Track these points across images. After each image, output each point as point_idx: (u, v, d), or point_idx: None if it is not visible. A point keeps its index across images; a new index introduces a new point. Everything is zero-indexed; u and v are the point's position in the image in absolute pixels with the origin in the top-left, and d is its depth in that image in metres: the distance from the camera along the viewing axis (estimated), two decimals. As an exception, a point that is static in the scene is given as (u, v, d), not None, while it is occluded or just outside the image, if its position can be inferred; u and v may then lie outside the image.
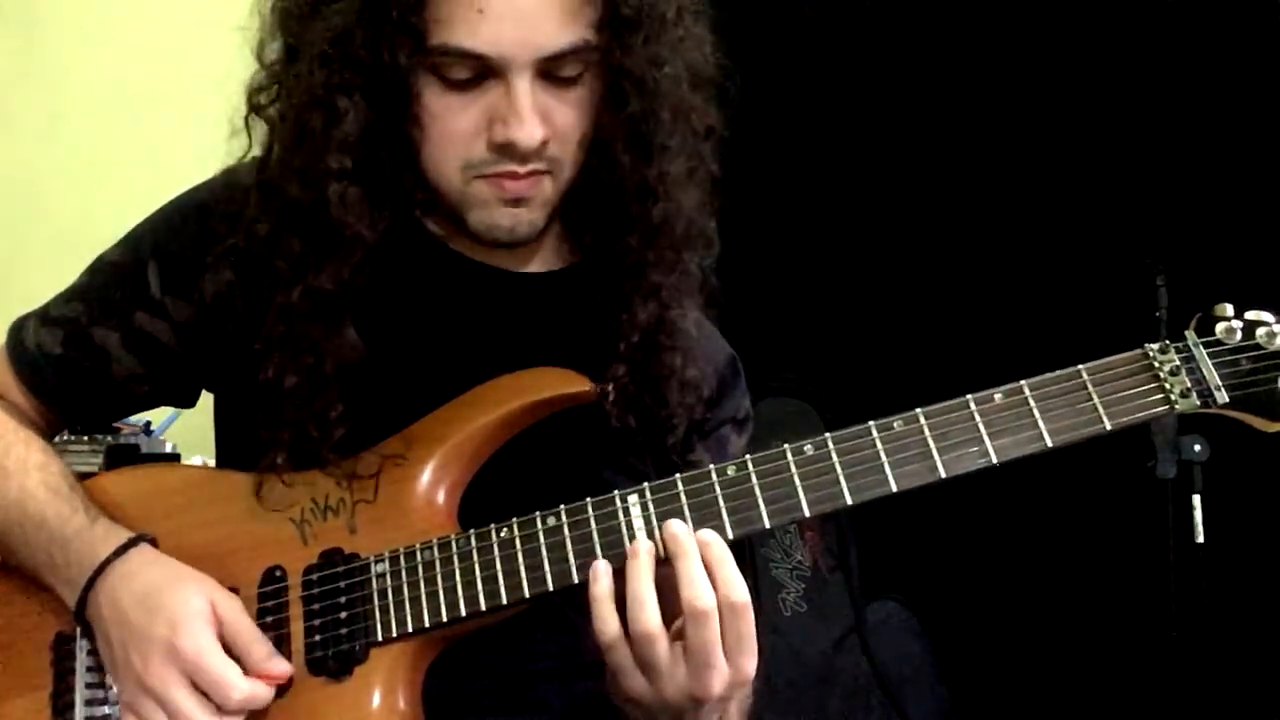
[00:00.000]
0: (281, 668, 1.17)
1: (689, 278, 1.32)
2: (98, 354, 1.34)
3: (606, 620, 1.09)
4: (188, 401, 1.42)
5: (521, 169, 1.20)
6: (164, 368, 1.35)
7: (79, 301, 1.35)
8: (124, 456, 2.50)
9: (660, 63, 1.22)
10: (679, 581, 1.08)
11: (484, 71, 1.17)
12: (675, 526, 1.11)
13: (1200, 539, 2.16)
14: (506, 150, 1.19)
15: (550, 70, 1.18)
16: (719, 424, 1.39)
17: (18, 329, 1.38)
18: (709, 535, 1.11)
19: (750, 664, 1.10)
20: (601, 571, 1.11)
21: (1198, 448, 2.17)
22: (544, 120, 1.18)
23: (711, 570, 1.09)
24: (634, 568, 1.09)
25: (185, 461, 2.44)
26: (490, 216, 1.23)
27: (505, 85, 1.17)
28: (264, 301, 1.23)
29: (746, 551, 2.76)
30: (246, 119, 1.26)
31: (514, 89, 1.16)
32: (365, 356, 1.24)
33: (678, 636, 1.09)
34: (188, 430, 2.58)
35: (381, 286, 1.26)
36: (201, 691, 1.14)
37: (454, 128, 1.19)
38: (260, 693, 1.15)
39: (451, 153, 1.21)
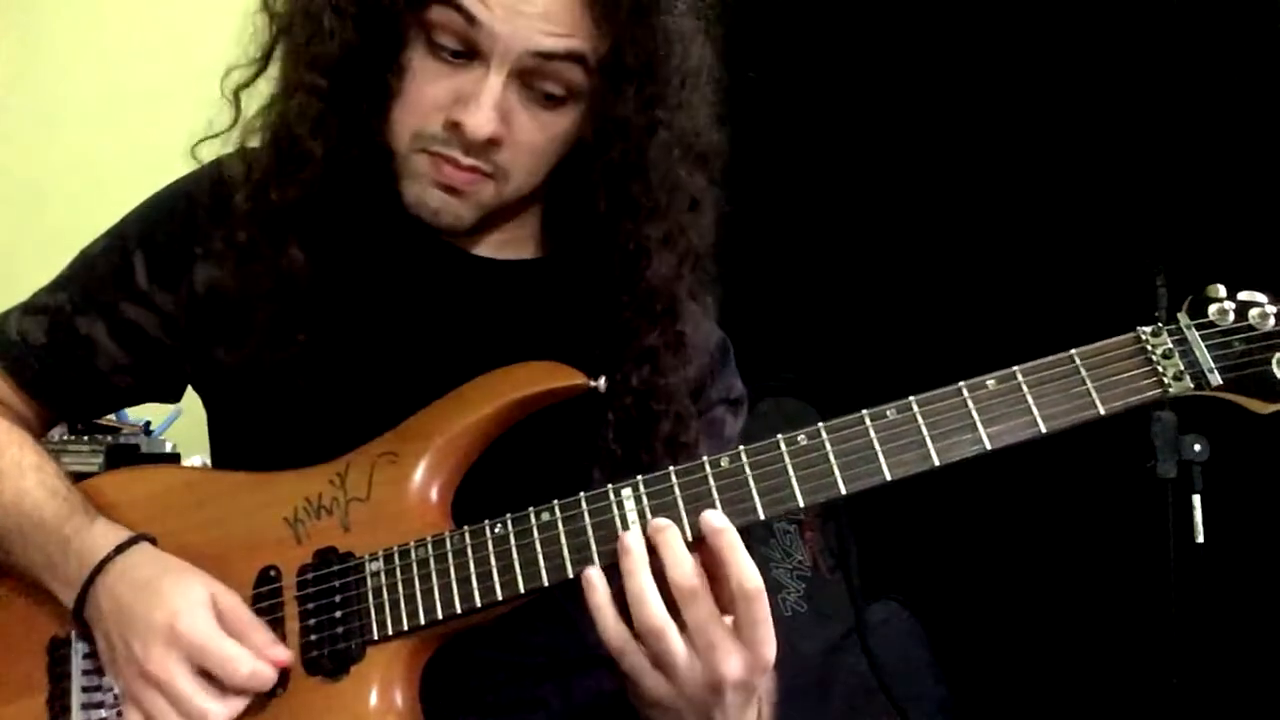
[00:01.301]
0: (282, 654, 1.16)
1: (676, 342, 1.31)
2: (83, 343, 1.33)
3: (612, 627, 1.08)
4: (173, 396, 1.41)
5: (463, 159, 1.20)
6: (150, 359, 1.34)
7: (63, 291, 1.35)
8: (124, 456, 2.50)
9: (654, 124, 1.22)
10: (665, 568, 1.07)
11: (469, 51, 1.17)
12: (658, 521, 1.10)
13: (1200, 539, 2.15)
14: (454, 131, 1.19)
15: (532, 80, 1.18)
16: (711, 405, 1.39)
17: (1, 320, 1.37)
18: (721, 521, 1.09)
19: (769, 650, 1.08)
20: (595, 579, 1.10)
21: (1198, 448, 2.16)
22: (503, 121, 1.18)
23: (724, 558, 1.07)
24: (629, 565, 1.08)
25: (185, 461, 2.45)
26: (421, 193, 1.24)
27: (481, 72, 1.17)
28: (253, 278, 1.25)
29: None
30: (237, 93, 1.27)
31: (486, 78, 1.17)
32: (310, 278, 1.24)
33: (684, 626, 1.08)
34: (188, 430, 2.58)
35: (364, 273, 1.26)
36: (204, 677, 1.14)
37: (421, 92, 1.20)
38: (265, 673, 1.15)
39: (410, 117, 1.21)
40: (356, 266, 1.29)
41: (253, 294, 1.24)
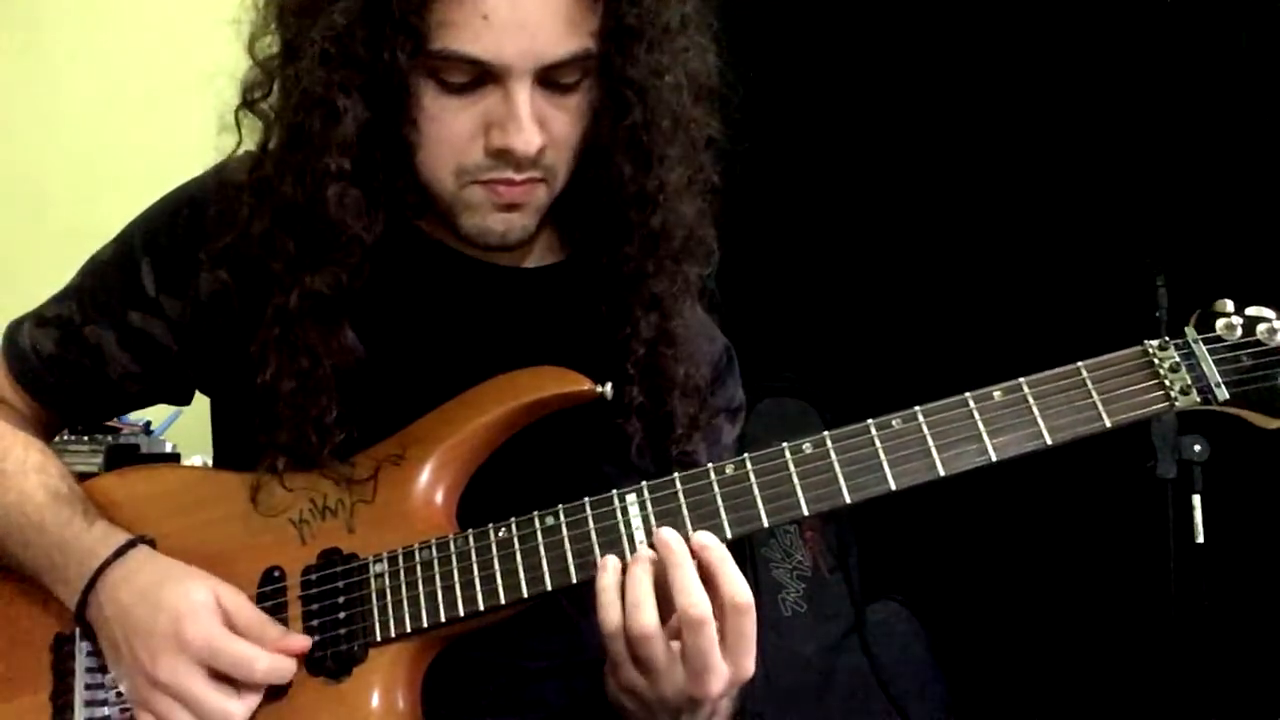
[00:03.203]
0: (300, 642, 1.17)
1: (688, 285, 1.32)
2: (92, 353, 1.34)
3: (610, 609, 1.09)
4: (183, 399, 1.42)
5: (518, 176, 1.20)
6: (159, 365, 1.34)
7: (73, 301, 1.35)
8: (124, 456, 2.51)
9: (661, 72, 1.21)
10: (672, 590, 1.08)
11: (482, 76, 1.16)
12: (666, 534, 1.10)
13: (1200, 539, 2.16)
14: (503, 157, 1.18)
15: (549, 77, 1.17)
16: (713, 414, 1.39)
17: (13, 330, 1.38)
18: (708, 538, 1.10)
19: (750, 663, 1.10)
20: (610, 565, 1.10)
21: (1198, 448, 2.17)
22: (541, 127, 1.17)
23: (713, 572, 1.08)
24: (634, 572, 1.09)
25: (185, 461, 2.45)
26: (483, 221, 1.23)
27: (504, 91, 1.16)
28: (259, 302, 1.23)
29: (746, 551, 2.77)
30: (237, 114, 1.25)
31: (513, 96, 1.15)
32: (364, 359, 1.23)
33: (675, 635, 1.09)
34: (188, 430, 2.59)
35: (378, 287, 1.25)
36: (216, 678, 1.14)
37: (450, 131, 1.18)
38: (283, 665, 1.15)
39: (446, 156, 1.20)
40: (389, 290, 1.28)
41: (305, 390, 1.21)
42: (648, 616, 1.07)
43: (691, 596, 1.07)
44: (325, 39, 1.15)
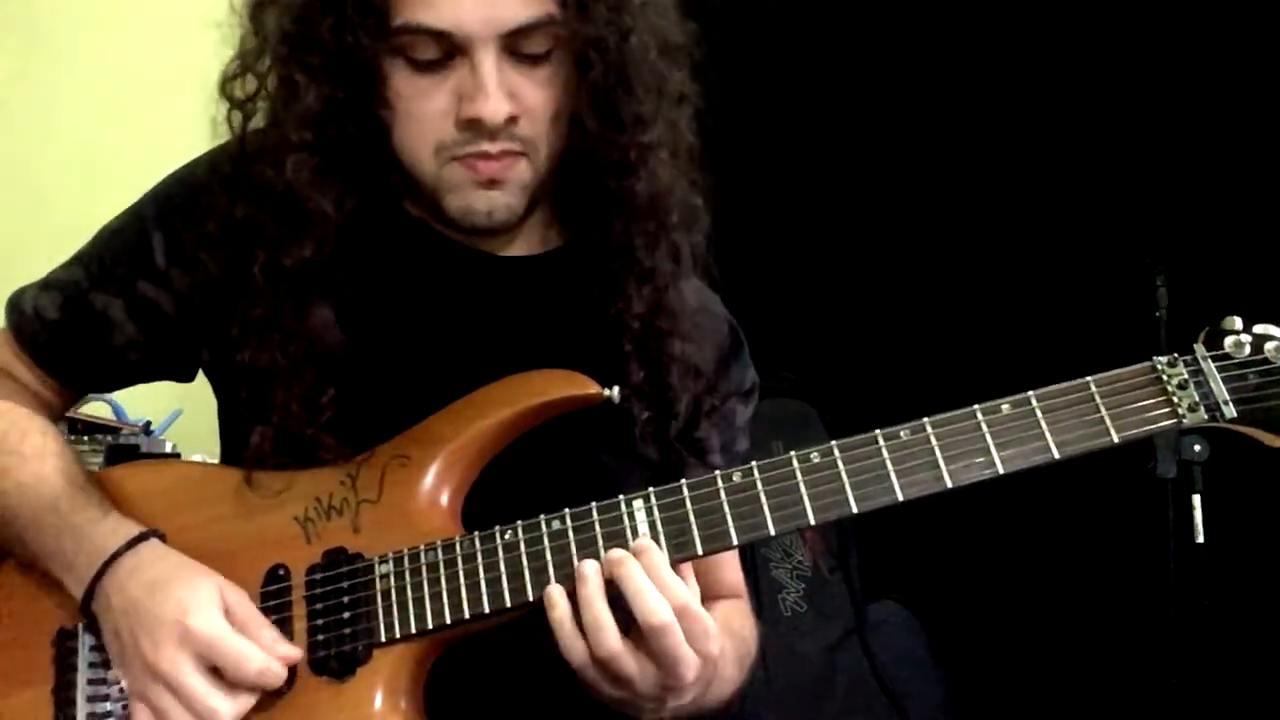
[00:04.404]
0: (289, 651, 1.17)
1: (682, 257, 1.32)
2: (96, 319, 1.34)
3: (573, 644, 1.10)
4: (185, 375, 1.41)
5: (493, 148, 1.21)
6: (163, 337, 1.34)
7: (79, 266, 1.36)
8: (124, 456, 2.50)
9: (626, 33, 1.22)
10: (630, 602, 1.08)
11: (450, 50, 1.18)
12: (615, 553, 1.11)
13: (1200, 539, 2.16)
14: (474, 127, 1.19)
15: (517, 47, 1.19)
16: (724, 398, 1.39)
17: (16, 297, 1.38)
18: (644, 543, 1.11)
19: (712, 645, 1.11)
20: (557, 596, 1.11)
21: (1198, 448, 2.18)
22: (512, 98, 1.19)
23: (652, 578, 1.09)
24: (586, 594, 1.10)
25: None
26: (466, 200, 1.24)
27: (471, 63, 1.17)
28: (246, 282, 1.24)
29: (747, 551, 2.77)
30: (229, 114, 1.27)
31: (478, 65, 1.17)
32: (339, 335, 1.24)
33: (638, 638, 1.10)
34: (188, 430, 2.59)
35: (365, 272, 1.26)
36: (213, 676, 1.15)
37: (424, 109, 1.20)
38: (275, 669, 1.16)
39: (423, 135, 1.22)
40: (377, 274, 1.29)
41: (284, 365, 1.23)
42: (612, 639, 1.08)
43: (650, 604, 1.08)
44: (285, 22, 1.19)
